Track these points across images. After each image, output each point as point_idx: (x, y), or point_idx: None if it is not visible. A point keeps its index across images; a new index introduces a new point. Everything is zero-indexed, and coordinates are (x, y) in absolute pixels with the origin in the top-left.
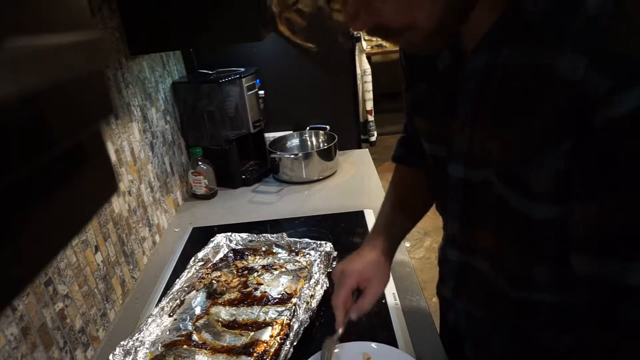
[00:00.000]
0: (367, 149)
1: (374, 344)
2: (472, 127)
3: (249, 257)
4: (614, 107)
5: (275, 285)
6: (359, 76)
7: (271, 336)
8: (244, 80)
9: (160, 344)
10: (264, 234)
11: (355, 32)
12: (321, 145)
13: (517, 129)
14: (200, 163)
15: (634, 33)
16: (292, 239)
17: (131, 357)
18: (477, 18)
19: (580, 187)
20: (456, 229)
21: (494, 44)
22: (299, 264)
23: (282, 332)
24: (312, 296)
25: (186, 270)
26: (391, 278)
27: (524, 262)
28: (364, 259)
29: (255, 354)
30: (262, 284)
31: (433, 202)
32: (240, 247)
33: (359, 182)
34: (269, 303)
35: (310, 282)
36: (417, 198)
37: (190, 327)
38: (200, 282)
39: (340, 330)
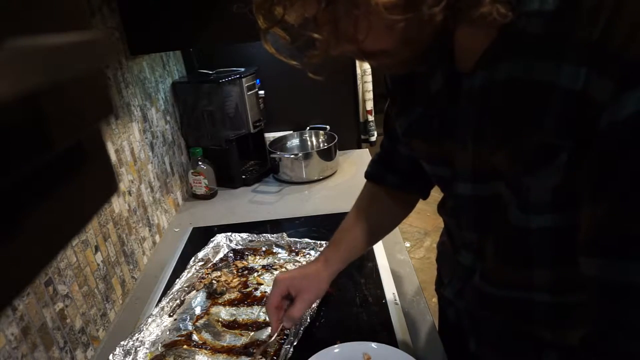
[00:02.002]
0: (367, 149)
1: (374, 344)
2: (476, 144)
3: (249, 257)
4: (618, 109)
5: None
6: (359, 76)
7: (271, 336)
8: (244, 80)
9: (160, 344)
10: (264, 234)
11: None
12: (321, 145)
13: (521, 142)
14: (200, 163)
15: (633, 35)
16: (292, 239)
17: (131, 357)
18: (472, 39)
19: (587, 191)
20: (474, 237)
21: (493, 61)
22: (299, 264)
23: (282, 332)
24: None
25: (186, 270)
26: (391, 278)
27: (524, 267)
28: (301, 269)
29: (255, 354)
30: (262, 284)
31: (400, 221)
32: (240, 247)
33: (359, 182)
34: None
35: None
36: (382, 217)
37: (190, 327)
38: (200, 282)
39: (274, 336)
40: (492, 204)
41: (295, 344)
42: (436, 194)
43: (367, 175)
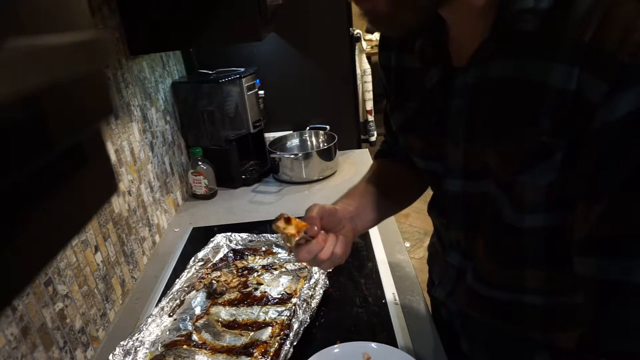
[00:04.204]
0: (367, 149)
1: (374, 344)
2: (467, 141)
3: (249, 257)
4: (612, 110)
5: (275, 285)
6: (358, 76)
7: (271, 336)
8: (244, 80)
9: (160, 344)
10: (264, 234)
11: (355, 32)
12: (321, 145)
13: (514, 141)
14: (200, 163)
15: (626, 37)
16: None
17: (131, 357)
18: (466, 35)
19: (581, 190)
20: (461, 236)
21: (486, 58)
22: (299, 264)
23: (282, 332)
24: (312, 296)
25: (186, 270)
26: (391, 278)
27: (516, 267)
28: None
29: (255, 354)
30: (262, 284)
31: (408, 197)
32: (240, 247)
33: None
34: (269, 303)
35: (310, 282)
36: (391, 184)
37: (190, 327)
38: (200, 282)
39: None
40: (482, 201)
41: (295, 344)
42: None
43: (377, 154)
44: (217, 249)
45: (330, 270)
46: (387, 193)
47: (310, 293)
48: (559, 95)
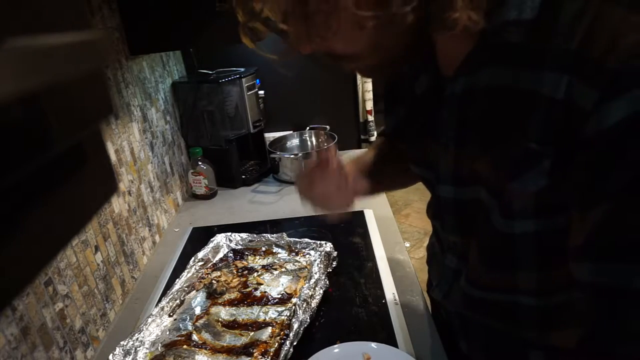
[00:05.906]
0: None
1: (374, 344)
2: (457, 148)
3: (249, 257)
4: (604, 117)
5: (275, 285)
6: (359, 76)
7: (271, 336)
8: (244, 80)
9: (160, 344)
10: (264, 234)
11: None
12: (321, 145)
13: (502, 149)
14: (200, 163)
15: (614, 44)
16: (292, 239)
17: (131, 357)
18: (450, 48)
19: (576, 197)
20: (457, 239)
21: (474, 67)
22: (299, 264)
23: (282, 332)
24: (312, 296)
25: (186, 270)
26: (391, 278)
27: (508, 270)
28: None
29: (255, 354)
30: (262, 284)
31: (406, 178)
32: (240, 247)
33: None
34: (269, 303)
35: (310, 282)
36: (397, 165)
37: (190, 327)
38: (200, 282)
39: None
40: (474, 207)
41: (295, 344)
42: None
43: (380, 133)
44: (217, 249)
45: (330, 270)
46: (384, 170)
47: (310, 293)
48: (548, 104)
